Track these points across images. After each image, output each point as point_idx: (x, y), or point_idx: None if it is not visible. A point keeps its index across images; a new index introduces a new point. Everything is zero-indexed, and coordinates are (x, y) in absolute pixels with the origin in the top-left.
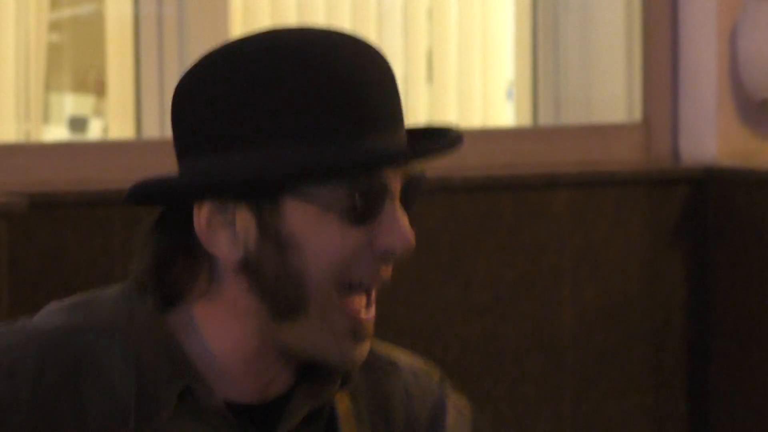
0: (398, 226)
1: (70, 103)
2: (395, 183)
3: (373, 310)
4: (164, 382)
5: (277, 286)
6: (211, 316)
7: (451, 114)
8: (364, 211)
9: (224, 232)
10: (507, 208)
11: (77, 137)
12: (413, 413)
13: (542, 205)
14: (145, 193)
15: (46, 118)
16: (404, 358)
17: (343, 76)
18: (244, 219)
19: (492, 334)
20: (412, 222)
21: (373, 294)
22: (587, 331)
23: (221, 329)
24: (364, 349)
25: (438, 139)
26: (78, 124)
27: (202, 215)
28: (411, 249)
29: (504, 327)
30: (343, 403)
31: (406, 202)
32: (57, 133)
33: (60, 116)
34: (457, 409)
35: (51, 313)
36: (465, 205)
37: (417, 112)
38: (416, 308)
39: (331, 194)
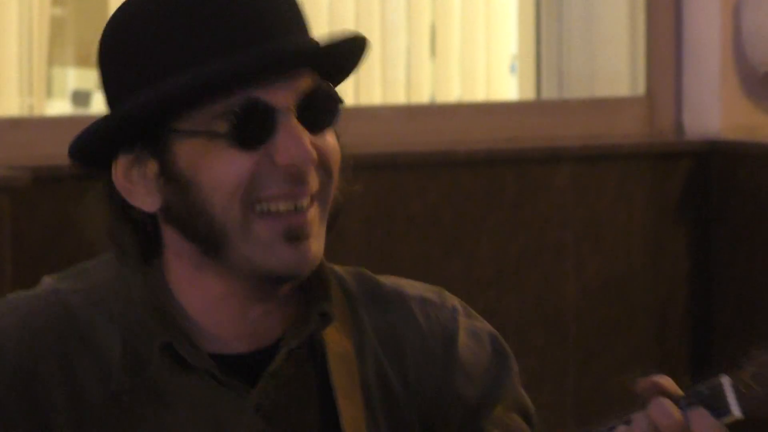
0: (292, 140)
1: (74, 78)
2: (282, 98)
3: (310, 213)
4: (147, 339)
5: (192, 225)
6: (175, 272)
7: (454, 88)
8: (249, 133)
9: (140, 184)
10: (510, 182)
11: (80, 111)
12: (425, 343)
13: (545, 179)
14: (73, 153)
15: (49, 92)
16: (412, 289)
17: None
18: (152, 167)
19: (495, 308)
20: (340, 137)
21: (313, 205)
22: (590, 304)
23: (185, 283)
24: (305, 250)
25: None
26: (81, 98)
27: (118, 171)
28: (311, 160)
29: (507, 301)
30: (338, 342)
31: (314, 115)
32: (60, 107)
33: (63, 90)
34: (469, 332)
35: (41, 284)
36: (468, 179)
37: (420, 87)
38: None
39: (208, 123)
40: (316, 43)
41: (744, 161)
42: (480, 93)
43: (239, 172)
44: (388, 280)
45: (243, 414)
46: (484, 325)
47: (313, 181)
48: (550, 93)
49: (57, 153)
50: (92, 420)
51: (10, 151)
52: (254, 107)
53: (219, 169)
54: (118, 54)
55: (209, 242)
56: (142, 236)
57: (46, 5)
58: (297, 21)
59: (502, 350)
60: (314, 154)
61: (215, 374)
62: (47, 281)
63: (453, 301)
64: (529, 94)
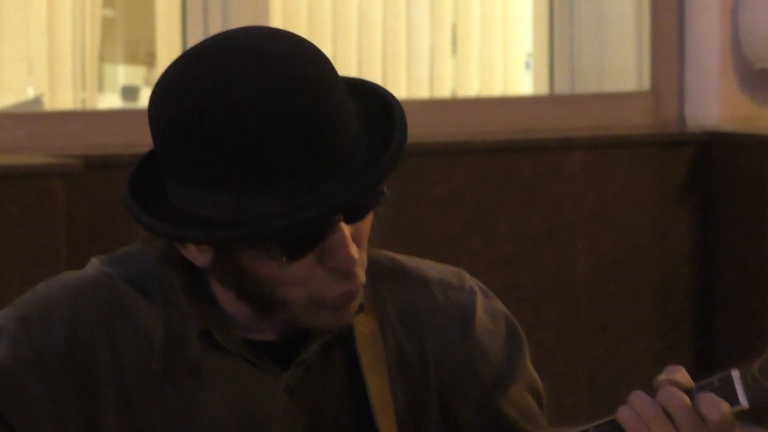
0: (339, 249)
1: (123, 74)
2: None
3: (355, 283)
4: (186, 323)
5: (246, 295)
6: (216, 283)
7: (473, 83)
8: (301, 248)
9: (195, 246)
10: (526, 168)
11: (129, 105)
12: (444, 323)
13: (559, 167)
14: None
15: (100, 87)
16: (433, 271)
17: (253, 127)
18: (208, 248)
19: (512, 283)
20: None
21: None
22: (600, 281)
23: (225, 295)
24: (346, 318)
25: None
26: (130, 92)
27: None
28: (354, 264)
29: (523, 277)
30: (365, 326)
31: (361, 212)
32: (110, 101)
33: (113, 85)
34: (487, 312)
35: (90, 266)
36: (487, 165)
37: (443, 82)
38: (442, 259)
39: (267, 241)
40: (382, 181)
41: (741, 150)
42: (497, 88)
43: (293, 275)
44: (410, 262)
45: (274, 395)
46: (500, 306)
47: (361, 267)
48: (562, 88)
49: (107, 143)
50: (135, 395)
51: (65, 141)
52: (311, 232)
53: (273, 271)
54: (192, 137)
55: (261, 306)
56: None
57: (98, 6)
58: (351, 130)
59: (516, 332)
60: (356, 255)
61: (248, 357)
62: (95, 264)
63: (471, 282)
64: (543, 89)
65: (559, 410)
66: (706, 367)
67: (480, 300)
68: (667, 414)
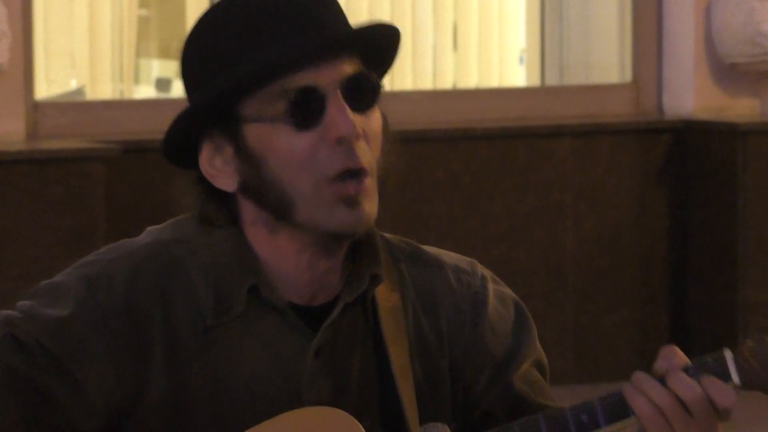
0: (338, 114)
1: (157, 67)
2: (328, 80)
3: (364, 185)
4: (236, 283)
5: (265, 196)
6: (255, 235)
7: (472, 76)
8: (303, 114)
9: (222, 170)
10: (519, 154)
11: (162, 95)
12: (458, 306)
13: (549, 151)
14: (165, 150)
15: (136, 79)
16: (449, 258)
17: (245, 7)
18: (228, 151)
19: (506, 258)
20: (385, 112)
21: (366, 177)
22: (586, 255)
23: (261, 243)
24: (360, 212)
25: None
26: (163, 84)
27: (203, 161)
28: (355, 132)
29: (517, 252)
30: (389, 299)
31: (358, 96)
32: (146, 92)
33: (148, 78)
34: (497, 297)
35: (146, 233)
36: (484, 150)
37: (444, 75)
38: (444, 236)
39: (268, 109)
40: (353, 30)
41: (714, 137)
42: (494, 80)
43: (300, 150)
44: (429, 249)
45: (304, 356)
46: (509, 292)
47: (364, 155)
48: (552, 80)
49: (143, 129)
50: (182, 351)
51: (105, 128)
52: (305, 90)
53: (282, 148)
54: (193, 54)
55: (280, 209)
56: (224, 208)
57: (134, 7)
58: (337, 14)
59: (524, 314)
60: (358, 127)
61: (288, 316)
62: (151, 231)
63: (483, 270)
64: (535, 81)
65: (549, 372)
66: (681, 333)
67: (491, 286)
68: (681, 402)
